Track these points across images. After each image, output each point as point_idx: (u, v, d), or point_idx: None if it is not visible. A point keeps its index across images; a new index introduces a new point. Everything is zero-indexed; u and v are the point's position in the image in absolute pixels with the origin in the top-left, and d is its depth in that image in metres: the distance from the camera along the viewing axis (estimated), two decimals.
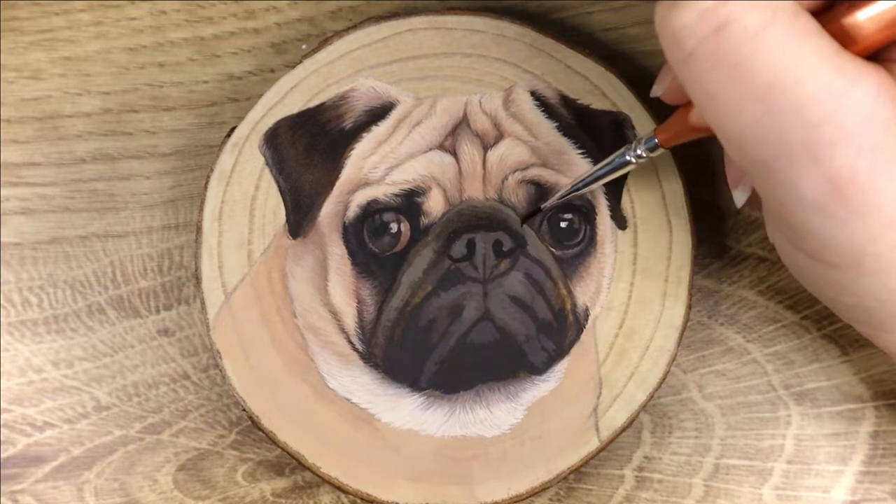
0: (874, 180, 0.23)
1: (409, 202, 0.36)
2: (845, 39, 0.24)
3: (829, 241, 0.25)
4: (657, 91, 0.33)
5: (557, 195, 0.35)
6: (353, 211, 0.36)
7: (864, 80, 0.23)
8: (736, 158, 0.25)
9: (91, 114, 0.39)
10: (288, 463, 0.38)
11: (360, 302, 0.36)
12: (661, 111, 0.37)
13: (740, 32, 0.23)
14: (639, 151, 0.33)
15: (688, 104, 0.30)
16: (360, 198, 0.36)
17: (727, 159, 0.32)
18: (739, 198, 0.31)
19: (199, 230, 0.37)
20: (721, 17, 0.23)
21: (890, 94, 0.24)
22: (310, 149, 0.37)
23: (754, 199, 0.31)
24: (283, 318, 0.36)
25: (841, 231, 0.24)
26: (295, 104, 0.37)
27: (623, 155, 0.33)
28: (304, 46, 0.39)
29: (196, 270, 0.37)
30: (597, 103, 0.37)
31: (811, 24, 0.24)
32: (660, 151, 0.32)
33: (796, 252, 0.27)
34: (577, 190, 0.35)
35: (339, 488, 0.36)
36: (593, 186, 0.35)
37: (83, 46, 0.39)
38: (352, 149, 0.36)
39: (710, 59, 0.24)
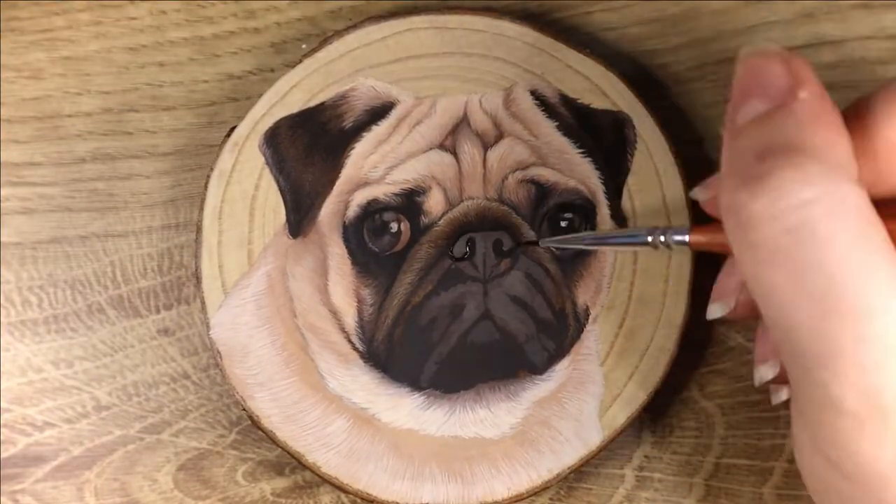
0: None
1: (410, 202, 0.36)
2: None
3: (857, 453, 0.24)
4: (699, 196, 0.32)
5: (559, 238, 0.35)
6: (353, 210, 0.36)
7: None
8: (779, 347, 0.25)
9: (91, 113, 0.39)
10: (288, 462, 0.38)
11: (360, 301, 0.36)
12: (662, 111, 0.37)
13: (811, 237, 0.23)
14: (663, 239, 0.30)
15: None
16: (360, 197, 0.36)
17: (761, 335, 0.31)
18: (764, 375, 0.31)
19: (199, 230, 0.37)
20: (795, 219, 0.23)
21: None
22: (310, 148, 0.37)
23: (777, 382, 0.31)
24: (283, 318, 0.36)
25: (872, 446, 0.24)
26: (295, 104, 0.37)
27: (646, 235, 0.31)
28: (304, 46, 0.39)
29: (196, 270, 0.37)
30: (597, 103, 0.37)
31: (880, 235, 0.23)
32: (682, 248, 0.30)
33: (815, 454, 0.26)
34: (583, 244, 0.34)
35: (340, 488, 0.36)
36: (601, 248, 0.34)
37: (83, 46, 0.39)
38: (352, 148, 0.36)
39: (775, 256, 0.23)
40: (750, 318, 0.32)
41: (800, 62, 0.25)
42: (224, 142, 0.37)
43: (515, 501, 0.36)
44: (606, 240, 0.34)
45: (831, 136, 0.24)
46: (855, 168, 0.24)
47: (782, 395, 0.31)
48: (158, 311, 0.39)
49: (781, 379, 0.31)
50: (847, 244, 0.23)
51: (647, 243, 0.31)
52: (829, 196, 0.23)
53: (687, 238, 0.30)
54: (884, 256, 0.23)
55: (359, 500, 0.38)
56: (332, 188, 0.36)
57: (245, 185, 0.37)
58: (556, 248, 0.36)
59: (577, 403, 0.36)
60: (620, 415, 0.36)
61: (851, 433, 0.24)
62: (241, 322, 0.36)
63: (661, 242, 0.30)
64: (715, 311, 0.31)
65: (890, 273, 0.23)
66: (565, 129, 0.37)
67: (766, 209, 0.23)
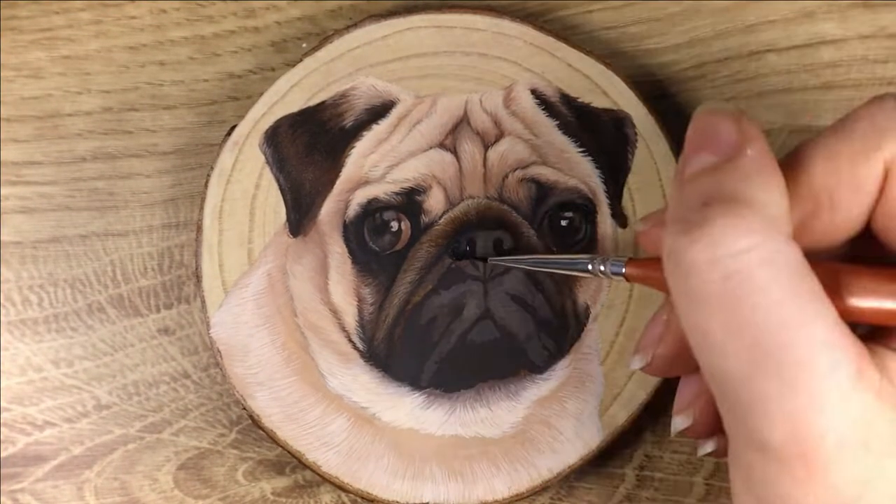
0: (838, 456, 0.24)
1: (410, 201, 0.36)
2: (842, 310, 0.25)
3: (783, 495, 0.25)
4: (638, 227, 0.33)
5: (509, 259, 0.35)
6: (353, 209, 0.36)
7: (846, 363, 0.24)
8: (713, 392, 0.26)
9: (91, 112, 0.39)
10: (288, 462, 0.38)
11: (360, 300, 0.36)
12: (662, 110, 0.37)
13: (745, 285, 0.24)
14: (601, 268, 0.31)
15: None
16: (361, 196, 0.36)
17: (681, 386, 0.32)
18: (678, 425, 0.32)
19: (199, 229, 0.37)
20: (732, 267, 0.24)
21: (870, 380, 0.24)
22: (310, 147, 0.37)
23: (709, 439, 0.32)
24: (283, 317, 0.36)
25: (796, 489, 0.24)
26: (295, 103, 0.37)
27: (586, 263, 0.32)
28: (304, 45, 0.39)
29: (196, 269, 0.37)
30: (597, 102, 0.37)
31: (813, 288, 0.24)
32: (619, 279, 0.31)
33: (748, 495, 0.26)
34: (527, 266, 0.35)
35: (340, 487, 0.36)
36: (545, 270, 0.35)
37: (83, 45, 0.39)
38: (352, 147, 0.36)
39: (711, 302, 0.24)
40: (670, 374, 0.32)
41: (748, 121, 0.26)
42: (224, 141, 0.37)
43: (516, 500, 0.36)
44: (549, 264, 0.34)
45: (772, 191, 0.25)
46: (790, 226, 0.25)
47: (707, 447, 0.32)
48: (159, 311, 0.39)
49: (695, 430, 0.31)
50: (781, 294, 0.24)
51: (587, 271, 0.32)
52: (766, 246, 0.24)
53: (623, 270, 0.30)
54: (816, 309, 0.24)
55: (359, 500, 0.38)
56: (332, 187, 0.36)
57: (245, 184, 0.37)
58: (555, 247, 0.36)
59: (577, 402, 0.36)
60: (621, 414, 0.36)
61: (778, 477, 0.25)
62: (241, 321, 0.36)
63: (601, 271, 0.31)
64: (635, 363, 0.32)
65: (820, 325, 0.24)
66: (565, 128, 0.37)
67: (705, 255, 0.24)
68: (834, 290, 0.25)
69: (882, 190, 0.26)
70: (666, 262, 0.25)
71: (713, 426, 0.31)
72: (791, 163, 0.27)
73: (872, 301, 0.26)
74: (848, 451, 0.24)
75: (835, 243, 0.27)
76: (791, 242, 0.24)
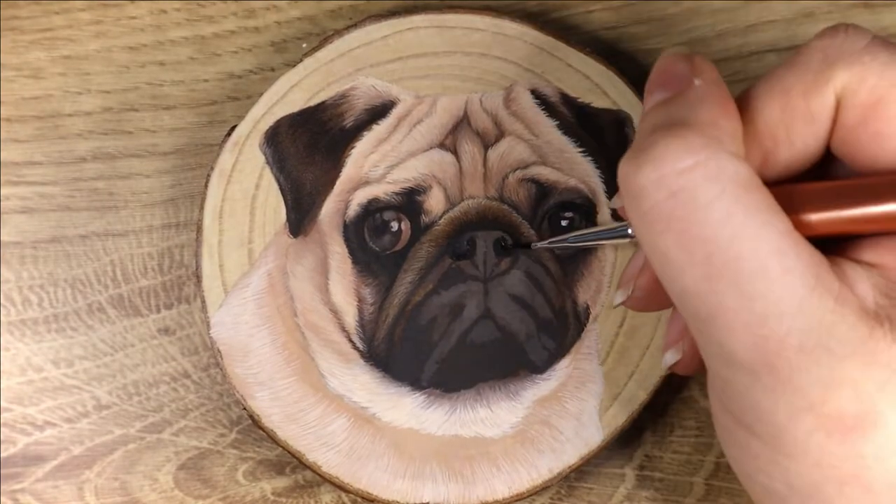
0: (801, 360, 0.24)
1: (410, 201, 0.36)
2: (798, 223, 0.25)
3: (755, 405, 0.25)
4: (615, 203, 0.34)
5: (550, 241, 0.35)
6: (353, 209, 0.36)
7: (801, 269, 0.24)
8: (680, 312, 0.27)
9: (91, 112, 0.39)
10: (288, 462, 0.38)
11: (360, 300, 0.36)
12: None
13: (692, 201, 0.24)
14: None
15: None
16: (361, 196, 0.36)
17: (670, 320, 0.32)
18: (668, 360, 0.32)
19: (199, 229, 0.37)
20: (676, 184, 0.24)
21: (828, 286, 0.24)
22: (310, 147, 0.37)
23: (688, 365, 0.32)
24: (283, 317, 0.36)
25: (766, 398, 0.25)
26: (295, 103, 0.37)
27: (625, 228, 0.32)
28: (304, 45, 0.39)
29: (196, 269, 0.37)
30: (597, 102, 0.37)
31: (763, 201, 0.25)
32: None
33: (725, 413, 0.27)
34: (569, 243, 0.35)
35: (340, 487, 0.36)
36: (586, 245, 0.35)
37: (83, 45, 0.39)
38: (352, 147, 0.36)
39: (662, 221, 0.25)
40: (650, 307, 0.32)
41: (701, 58, 0.27)
42: (224, 141, 0.37)
43: (516, 500, 0.36)
44: (589, 236, 0.34)
45: (717, 115, 0.26)
46: (740, 146, 0.26)
47: (669, 358, 0.32)
48: (159, 311, 0.39)
49: (684, 364, 0.32)
50: (728, 207, 0.24)
51: (628, 235, 0.32)
52: (708, 163, 0.24)
53: None
54: (765, 219, 0.24)
55: (359, 500, 0.38)
56: (332, 187, 0.36)
57: (245, 184, 0.37)
58: (556, 248, 0.36)
59: (577, 402, 0.36)
60: (621, 414, 0.36)
61: (748, 387, 0.25)
62: (241, 321, 0.36)
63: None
64: (618, 297, 0.32)
65: (772, 234, 0.24)
66: (566, 129, 0.37)
67: (650, 176, 0.25)
68: (789, 206, 0.25)
69: (835, 119, 0.26)
70: (621, 192, 0.26)
71: (702, 360, 0.31)
72: (748, 100, 0.27)
73: (825, 213, 0.26)
74: (810, 354, 0.24)
75: (798, 172, 0.28)
76: (737, 158, 0.25)
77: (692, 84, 0.27)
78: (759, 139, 0.27)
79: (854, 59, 0.26)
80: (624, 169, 0.26)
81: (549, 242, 0.35)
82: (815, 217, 0.26)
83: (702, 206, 0.24)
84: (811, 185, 0.27)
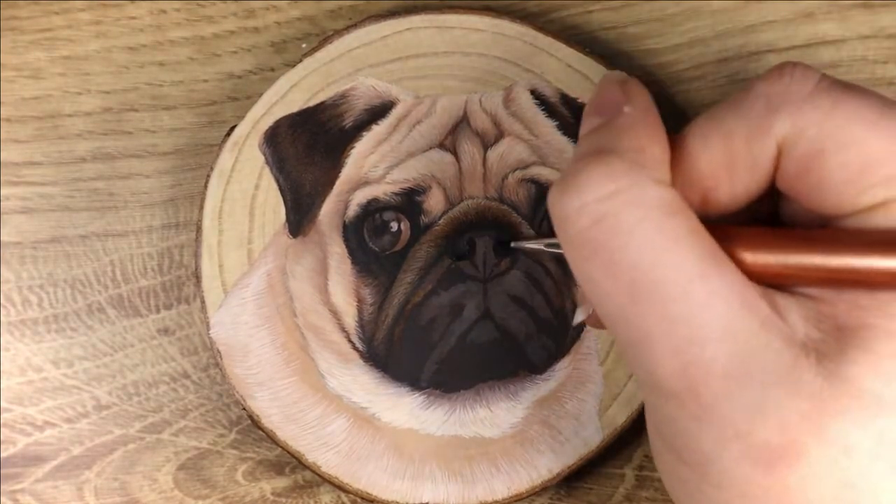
0: (726, 387, 0.24)
1: (410, 201, 0.36)
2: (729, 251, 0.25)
3: (682, 432, 0.25)
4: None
5: (531, 242, 0.35)
6: (353, 210, 0.36)
7: (726, 293, 0.24)
8: (613, 336, 0.26)
9: (91, 113, 0.39)
10: (288, 462, 0.38)
11: (360, 301, 0.36)
12: (662, 110, 0.37)
13: (614, 227, 0.24)
14: None
15: None
16: (361, 197, 0.36)
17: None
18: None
19: (199, 229, 0.37)
20: (598, 211, 0.24)
21: (755, 310, 0.24)
22: (310, 148, 0.37)
23: None
24: (283, 318, 0.36)
25: (692, 425, 0.25)
26: (295, 103, 0.37)
27: None
28: (304, 45, 0.39)
29: (196, 269, 0.37)
30: None
31: (685, 225, 0.24)
32: None
33: (658, 437, 0.27)
34: (546, 248, 0.35)
35: (340, 487, 0.36)
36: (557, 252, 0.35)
37: (83, 45, 0.39)
38: (352, 147, 0.36)
39: (587, 248, 0.25)
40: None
41: (634, 83, 0.27)
42: (224, 141, 0.37)
43: (516, 501, 0.36)
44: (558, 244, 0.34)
45: (643, 142, 0.26)
46: (666, 173, 0.26)
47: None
48: (158, 311, 0.39)
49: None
50: (648, 232, 0.24)
51: None
52: (630, 189, 0.24)
53: None
54: (690, 244, 0.24)
55: (359, 500, 0.38)
56: (332, 187, 0.36)
57: (245, 184, 0.37)
58: (557, 248, 0.36)
59: (576, 403, 0.36)
60: (620, 414, 0.36)
61: (675, 414, 0.25)
62: (241, 321, 0.36)
63: None
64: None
65: (694, 259, 0.24)
66: (565, 129, 0.37)
67: (574, 203, 0.25)
68: (726, 246, 0.25)
69: (777, 166, 0.26)
70: (551, 218, 0.26)
71: None
72: (690, 137, 0.27)
73: (760, 255, 0.26)
74: (735, 381, 0.24)
75: (739, 207, 0.28)
76: (660, 184, 0.25)
77: (622, 111, 0.26)
78: (700, 179, 0.27)
79: (795, 109, 0.25)
80: (551, 197, 0.26)
81: (530, 243, 0.35)
82: (751, 258, 0.26)
83: (624, 232, 0.24)
84: (749, 229, 0.26)
